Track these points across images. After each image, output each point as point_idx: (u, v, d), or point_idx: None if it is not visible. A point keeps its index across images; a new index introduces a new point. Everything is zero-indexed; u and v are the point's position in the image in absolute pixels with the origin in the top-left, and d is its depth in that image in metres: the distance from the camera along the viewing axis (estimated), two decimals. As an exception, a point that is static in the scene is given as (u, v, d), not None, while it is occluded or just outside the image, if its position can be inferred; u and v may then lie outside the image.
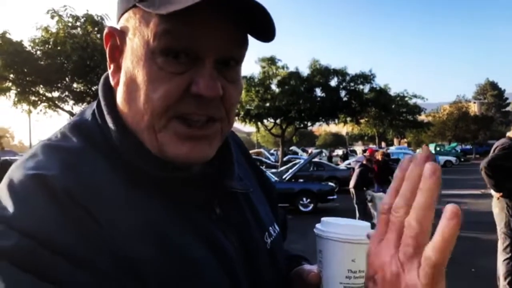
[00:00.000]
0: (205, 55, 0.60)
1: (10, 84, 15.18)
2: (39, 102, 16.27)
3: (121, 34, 0.66)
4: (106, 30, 0.68)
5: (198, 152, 0.64)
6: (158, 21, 0.59)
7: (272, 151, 40.93)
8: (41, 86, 15.48)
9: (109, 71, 0.69)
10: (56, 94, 16.33)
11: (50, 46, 14.65)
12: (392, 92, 30.25)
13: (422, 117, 40.76)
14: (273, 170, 17.98)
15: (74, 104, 16.66)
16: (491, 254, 5.10)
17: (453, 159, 33.51)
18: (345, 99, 24.58)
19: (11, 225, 0.52)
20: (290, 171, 14.23)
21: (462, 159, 35.54)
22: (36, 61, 14.55)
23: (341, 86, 24.42)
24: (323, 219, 0.75)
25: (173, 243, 0.61)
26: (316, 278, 0.73)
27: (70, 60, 14.37)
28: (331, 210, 12.38)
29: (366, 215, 10.28)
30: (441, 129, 47.36)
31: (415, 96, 31.85)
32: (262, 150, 38.87)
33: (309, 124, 26.78)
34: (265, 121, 25.09)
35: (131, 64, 0.63)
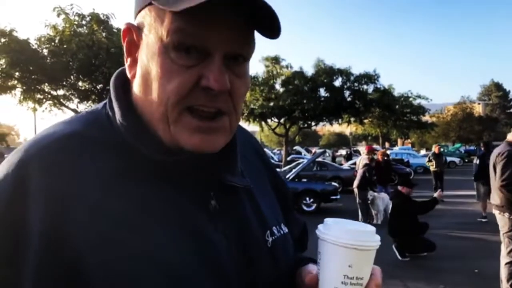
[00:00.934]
0: (214, 50, 0.64)
1: (16, 82, 15.24)
2: (44, 100, 16.35)
3: (138, 30, 0.70)
4: (124, 26, 0.72)
5: (209, 144, 0.68)
6: (172, 18, 0.63)
7: (275, 151, 40.88)
8: (47, 84, 15.53)
9: (126, 65, 0.73)
10: (61, 92, 16.40)
11: (55, 45, 14.70)
12: (396, 93, 30.13)
13: (426, 118, 40.56)
14: (277, 170, 17.91)
15: (79, 102, 16.72)
16: (495, 256, 5.10)
17: (457, 160, 33.34)
18: (349, 99, 24.50)
19: None
20: (294, 170, 14.20)
21: (466, 160, 35.36)
22: (42, 59, 14.59)
23: (345, 86, 24.35)
24: (326, 220, 0.74)
25: (146, 236, 0.64)
26: (313, 280, 0.72)
27: (76, 58, 14.43)
28: (334, 210, 12.37)
29: (368, 215, 10.29)
30: (445, 130, 47.20)
31: (419, 96, 31.73)
32: (265, 149, 38.64)
33: (313, 124, 26.74)
34: (269, 120, 25.04)
35: (146, 58, 0.67)
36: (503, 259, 4.70)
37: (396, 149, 37.12)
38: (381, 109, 27.86)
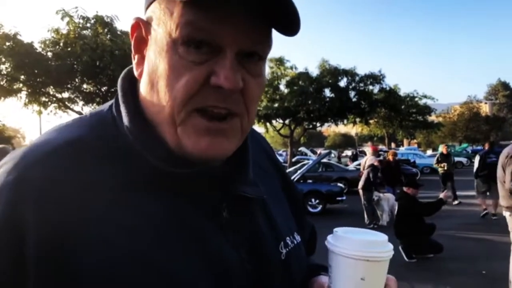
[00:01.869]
0: (227, 46, 0.59)
1: (21, 85, 15.36)
2: (49, 103, 16.44)
3: (147, 25, 0.66)
4: (132, 21, 0.68)
5: (217, 148, 0.62)
6: (181, 11, 0.59)
7: (280, 152, 40.88)
8: (51, 87, 15.63)
9: (133, 62, 0.68)
10: (66, 95, 16.50)
11: (60, 47, 14.78)
12: (402, 93, 30.10)
13: (432, 118, 40.43)
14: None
15: (83, 104, 16.81)
16: (503, 257, 5.02)
17: (464, 160, 33.10)
18: (354, 99, 24.44)
19: None
20: (299, 171, 14.17)
21: (473, 160, 35.13)
22: (47, 62, 14.68)
23: (350, 87, 24.29)
24: (335, 230, 0.70)
25: (154, 249, 0.59)
26: None
27: (80, 61, 14.49)
28: (340, 211, 12.32)
29: (374, 217, 10.22)
30: (451, 129, 46.99)
31: (425, 96, 31.65)
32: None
33: (318, 124, 26.70)
34: (273, 121, 25.05)
35: (154, 54, 0.63)
36: (512, 260, 4.65)
37: (402, 149, 36.92)
38: (386, 110, 27.81)
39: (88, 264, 0.55)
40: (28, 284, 0.54)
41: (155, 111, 0.64)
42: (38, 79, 14.97)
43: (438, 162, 13.54)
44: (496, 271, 5.64)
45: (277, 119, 24.81)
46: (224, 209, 0.67)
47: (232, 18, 0.58)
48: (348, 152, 41.90)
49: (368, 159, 11.75)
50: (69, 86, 15.88)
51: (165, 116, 0.62)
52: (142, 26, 0.66)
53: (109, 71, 14.68)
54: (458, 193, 13.11)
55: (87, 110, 16.48)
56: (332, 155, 30.40)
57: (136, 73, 0.68)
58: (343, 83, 24.15)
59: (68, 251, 0.55)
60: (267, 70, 23.23)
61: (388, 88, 25.95)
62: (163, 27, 0.61)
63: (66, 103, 16.53)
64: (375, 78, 24.57)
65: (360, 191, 10.49)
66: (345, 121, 26.46)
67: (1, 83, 14.77)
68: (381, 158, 11.43)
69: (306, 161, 19.87)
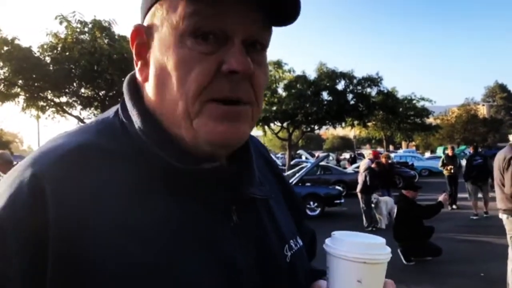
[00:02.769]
0: (234, 34, 0.61)
1: (19, 89, 15.31)
2: (47, 108, 16.39)
3: (148, 29, 0.67)
4: (132, 28, 0.69)
5: (235, 131, 0.63)
6: (186, 3, 0.60)
7: (279, 155, 40.86)
8: (50, 91, 15.58)
9: (136, 69, 0.69)
10: (64, 99, 16.43)
11: (58, 52, 14.77)
12: (400, 95, 30.08)
13: (430, 120, 40.44)
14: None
15: (82, 109, 16.77)
16: (501, 259, 5.04)
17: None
18: (352, 102, 24.43)
19: None
20: (297, 175, 14.17)
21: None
22: (45, 66, 14.65)
23: (348, 90, 24.29)
24: (333, 233, 0.71)
25: (168, 252, 0.59)
26: None
27: (78, 65, 14.47)
28: (338, 214, 12.32)
29: (372, 220, 10.22)
30: (449, 132, 47.00)
31: (423, 99, 31.65)
32: (269, 154, 38.67)
33: (316, 127, 26.70)
34: (272, 124, 25.03)
35: (160, 53, 0.63)
36: (510, 262, 4.65)
37: (400, 152, 36.98)
38: (384, 112, 27.77)
39: (102, 263, 0.55)
40: (46, 273, 0.54)
41: (167, 111, 0.64)
42: (36, 84, 14.93)
43: (443, 164, 12.98)
44: (495, 273, 5.65)
45: (275, 122, 24.78)
46: (234, 213, 0.68)
47: (236, 8, 0.60)
48: (347, 155, 41.89)
49: (365, 162, 11.78)
50: (67, 90, 15.84)
51: (179, 111, 0.62)
52: (143, 32, 0.67)
53: (107, 75, 14.66)
54: (458, 195, 13.04)
55: (86, 114, 16.54)
56: (331, 158, 30.38)
57: (140, 78, 0.69)
58: (340, 86, 24.15)
59: (84, 247, 0.55)
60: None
61: (386, 91, 25.94)
62: (168, 24, 0.62)
63: (64, 107, 16.48)
64: (373, 81, 24.58)
65: (359, 194, 10.50)
66: (343, 124, 26.44)
67: (-1, 87, 14.75)
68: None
69: (304, 164, 19.88)
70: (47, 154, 0.61)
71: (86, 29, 14.90)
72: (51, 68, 14.67)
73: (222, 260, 0.63)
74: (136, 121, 0.66)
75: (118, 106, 0.72)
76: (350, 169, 21.70)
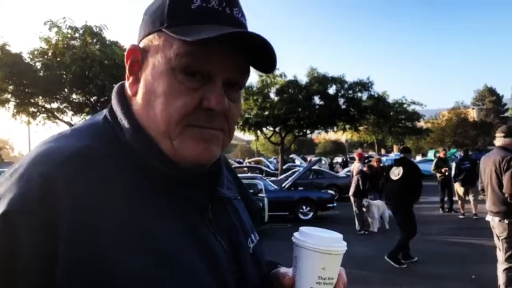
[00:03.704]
0: (216, 75, 0.72)
1: (9, 95, 15.18)
2: (38, 113, 16.27)
3: (143, 51, 0.76)
4: (129, 47, 0.78)
5: (210, 152, 0.74)
6: (180, 44, 0.70)
7: (271, 159, 40.85)
8: (40, 97, 15.47)
9: (127, 83, 0.78)
10: (55, 105, 16.32)
11: (49, 58, 14.68)
12: (391, 99, 30.23)
13: (421, 124, 40.73)
14: (273, 178, 17.91)
15: (73, 115, 16.66)
16: (492, 261, 5.08)
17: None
18: (343, 106, 24.55)
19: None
20: (290, 179, 14.20)
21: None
22: (35, 72, 14.55)
23: (340, 94, 24.40)
24: (301, 228, 0.83)
25: (166, 246, 0.67)
26: (290, 281, 0.80)
27: (69, 71, 14.39)
28: (331, 218, 12.34)
29: (364, 223, 10.25)
30: (440, 135, 47.30)
31: (413, 102, 31.87)
32: (261, 158, 38.79)
33: (308, 132, 26.78)
34: (264, 129, 25.06)
35: (152, 77, 0.73)
36: (501, 265, 4.67)
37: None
38: (375, 116, 27.93)
39: (115, 256, 0.62)
40: (58, 262, 0.59)
41: (152, 125, 0.73)
42: (26, 90, 14.81)
43: (437, 167, 12.81)
44: (486, 276, 5.69)
45: (268, 127, 24.82)
46: (209, 209, 0.79)
47: (223, 54, 0.71)
48: (339, 159, 42.01)
49: (356, 166, 11.84)
50: (58, 96, 15.73)
51: (160, 131, 0.72)
52: (138, 52, 0.76)
53: (99, 81, 14.60)
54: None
55: (77, 120, 16.42)
56: (323, 162, 30.42)
57: (130, 92, 0.78)
58: (332, 90, 24.26)
59: (94, 241, 0.61)
60: (258, 79, 23.45)
61: (376, 95, 26.10)
62: (162, 55, 0.72)
63: (55, 113, 16.36)
64: (364, 85, 24.72)
65: (351, 198, 10.54)
66: (335, 128, 26.55)
67: (-11, 94, 14.62)
68: (370, 163, 11.49)
69: (297, 169, 19.90)
70: (50, 156, 0.66)
71: (77, 35, 14.84)
72: (41, 74, 14.58)
73: (207, 251, 0.73)
74: (128, 131, 0.74)
75: (106, 112, 0.80)
76: (342, 173, 21.76)
